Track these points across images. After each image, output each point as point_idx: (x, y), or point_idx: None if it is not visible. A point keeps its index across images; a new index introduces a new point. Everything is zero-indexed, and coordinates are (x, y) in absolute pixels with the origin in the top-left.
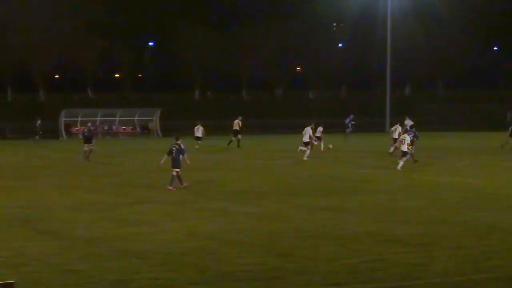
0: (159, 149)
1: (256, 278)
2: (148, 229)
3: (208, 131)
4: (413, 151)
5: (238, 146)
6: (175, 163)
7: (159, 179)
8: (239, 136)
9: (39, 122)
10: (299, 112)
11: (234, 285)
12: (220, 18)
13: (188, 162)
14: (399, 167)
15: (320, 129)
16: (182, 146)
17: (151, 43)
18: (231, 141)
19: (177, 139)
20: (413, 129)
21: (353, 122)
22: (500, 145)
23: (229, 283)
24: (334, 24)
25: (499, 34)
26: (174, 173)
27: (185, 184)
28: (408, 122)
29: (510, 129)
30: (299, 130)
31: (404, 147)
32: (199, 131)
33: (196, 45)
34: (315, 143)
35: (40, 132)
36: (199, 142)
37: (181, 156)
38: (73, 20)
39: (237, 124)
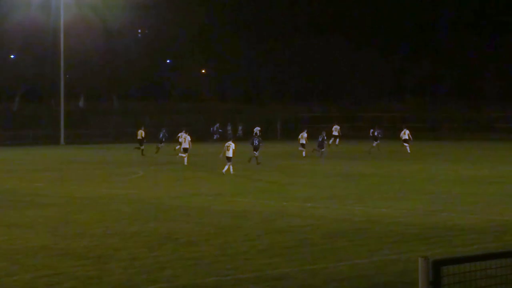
0: None
1: None
2: None
3: None
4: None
5: (142, 154)
6: None
7: None
8: (142, 146)
9: None
10: None
11: None
12: None
13: None
14: (224, 170)
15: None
16: None
17: None
18: (140, 149)
19: None
20: (258, 135)
21: (220, 130)
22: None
23: None
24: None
25: (172, 47)
26: None
27: None
28: (257, 129)
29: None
30: None
31: (229, 153)
32: None
33: None
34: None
35: None
36: None
37: None
38: None
39: (140, 134)
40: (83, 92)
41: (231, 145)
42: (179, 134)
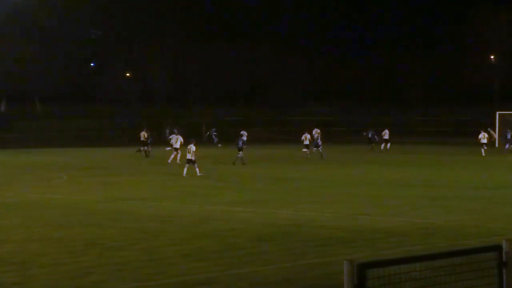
0: None
1: None
2: None
3: None
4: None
5: (146, 156)
6: None
7: None
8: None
9: None
10: None
11: None
12: None
13: None
14: (185, 174)
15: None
16: None
17: None
18: (139, 150)
19: None
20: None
21: (215, 133)
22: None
23: None
24: None
25: (96, 50)
26: None
27: None
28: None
29: (240, 144)
30: None
31: (189, 156)
32: None
33: None
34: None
35: None
36: None
37: None
38: None
39: (143, 135)
40: (5, 96)
41: (192, 148)
42: (171, 136)
